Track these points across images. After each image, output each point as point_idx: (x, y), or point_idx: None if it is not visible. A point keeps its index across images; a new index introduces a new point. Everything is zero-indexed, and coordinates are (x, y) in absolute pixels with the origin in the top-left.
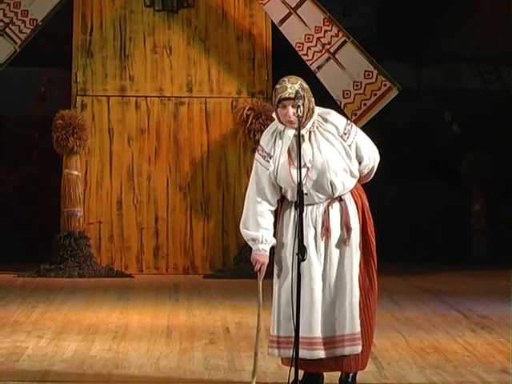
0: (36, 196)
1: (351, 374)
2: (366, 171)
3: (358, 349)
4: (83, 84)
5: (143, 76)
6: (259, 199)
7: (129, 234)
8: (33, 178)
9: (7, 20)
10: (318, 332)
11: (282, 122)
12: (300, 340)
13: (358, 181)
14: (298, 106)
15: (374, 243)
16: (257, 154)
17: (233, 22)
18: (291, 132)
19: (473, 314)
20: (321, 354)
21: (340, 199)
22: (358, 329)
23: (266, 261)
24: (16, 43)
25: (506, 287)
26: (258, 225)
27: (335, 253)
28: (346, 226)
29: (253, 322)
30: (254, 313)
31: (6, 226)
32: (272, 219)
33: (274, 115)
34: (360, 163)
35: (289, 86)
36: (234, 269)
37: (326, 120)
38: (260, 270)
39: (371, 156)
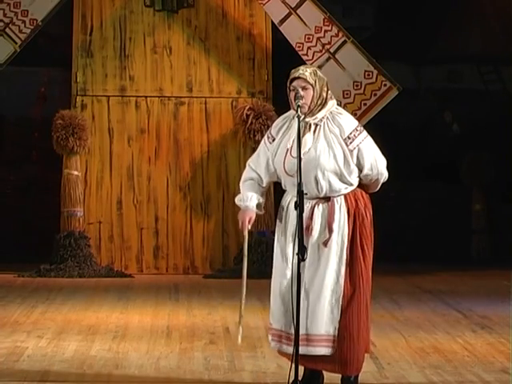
0: (36, 196)
1: (353, 375)
2: (367, 182)
3: (323, 350)
4: (83, 84)
5: (143, 76)
6: (254, 167)
7: (129, 234)
8: (33, 177)
9: (7, 20)
10: (280, 325)
11: (294, 108)
12: (286, 335)
13: (365, 189)
14: (298, 106)
15: (369, 254)
16: (265, 135)
17: (233, 22)
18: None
19: (473, 314)
20: (283, 347)
21: (328, 200)
22: (329, 331)
23: (248, 217)
24: (16, 43)
25: (506, 287)
26: (244, 185)
27: (313, 253)
28: (328, 226)
29: (253, 322)
30: (253, 313)
31: (7, 225)
32: (259, 190)
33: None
34: (361, 171)
35: (302, 67)
36: (234, 269)
37: (334, 119)
38: (243, 225)
39: (374, 168)
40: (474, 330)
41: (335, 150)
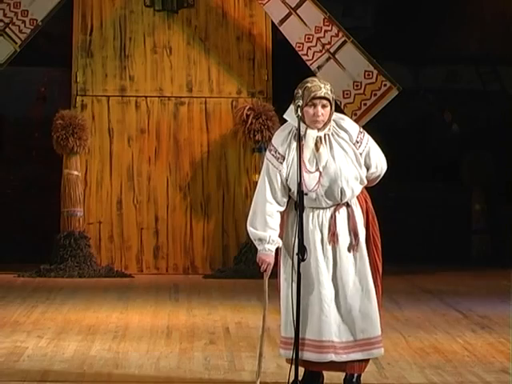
0: (36, 196)
1: (356, 375)
2: (371, 178)
3: (381, 351)
4: (83, 84)
5: (143, 76)
6: (270, 199)
7: (129, 234)
8: (33, 177)
9: (7, 20)
10: (329, 336)
11: (304, 122)
12: (308, 342)
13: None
14: (298, 106)
15: (380, 246)
16: (269, 154)
17: (233, 22)
18: (314, 133)
19: (473, 314)
20: (332, 357)
21: (347, 205)
22: (379, 332)
23: (272, 261)
24: (16, 43)
25: (506, 287)
26: (266, 224)
27: (345, 258)
28: (353, 231)
29: (253, 322)
30: (253, 313)
31: (6, 225)
32: (279, 220)
33: (287, 116)
34: (367, 170)
35: (322, 85)
36: (233, 269)
37: (340, 126)
38: (266, 270)
39: (379, 165)
40: (473, 330)
41: (351, 155)
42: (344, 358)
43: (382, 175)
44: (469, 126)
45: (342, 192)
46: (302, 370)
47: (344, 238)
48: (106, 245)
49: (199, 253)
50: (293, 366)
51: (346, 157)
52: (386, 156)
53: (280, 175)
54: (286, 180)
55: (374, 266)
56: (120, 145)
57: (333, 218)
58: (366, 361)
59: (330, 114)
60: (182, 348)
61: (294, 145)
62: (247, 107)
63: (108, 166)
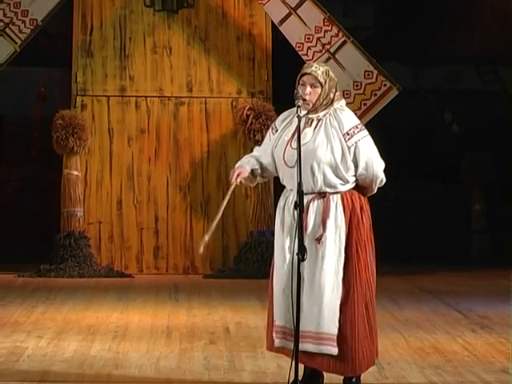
0: (36, 196)
1: (352, 376)
2: (362, 182)
3: (327, 349)
4: (83, 84)
5: (143, 76)
6: (258, 151)
7: (129, 234)
8: (33, 177)
9: (7, 20)
10: (283, 321)
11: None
12: (277, 328)
13: (363, 192)
14: (298, 107)
15: (363, 258)
16: (273, 124)
17: (233, 22)
18: (302, 113)
19: (473, 314)
20: (288, 344)
21: (324, 197)
22: (332, 330)
23: (243, 173)
24: (16, 43)
25: (506, 287)
26: (248, 156)
27: (310, 249)
28: (322, 222)
29: (253, 322)
30: (254, 313)
31: (6, 226)
32: (260, 163)
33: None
34: (356, 169)
35: (315, 65)
36: (233, 269)
37: (336, 115)
38: (237, 176)
39: (369, 168)
40: (473, 330)
41: (333, 143)
42: (290, 344)
43: (376, 181)
44: (469, 126)
45: (313, 174)
46: (301, 370)
47: (313, 230)
48: (106, 245)
49: (199, 253)
50: (293, 366)
51: (328, 143)
52: (385, 156)
53: (271, 144)
54: (272, 152)
55: (352, 272)
56: (120, 145)
57: (306, 207)
58: (345, 363)
59: (320, 96)
60: (182, 348)
61: (287, 121)
62: (247, 107)
63: (108, 166)
